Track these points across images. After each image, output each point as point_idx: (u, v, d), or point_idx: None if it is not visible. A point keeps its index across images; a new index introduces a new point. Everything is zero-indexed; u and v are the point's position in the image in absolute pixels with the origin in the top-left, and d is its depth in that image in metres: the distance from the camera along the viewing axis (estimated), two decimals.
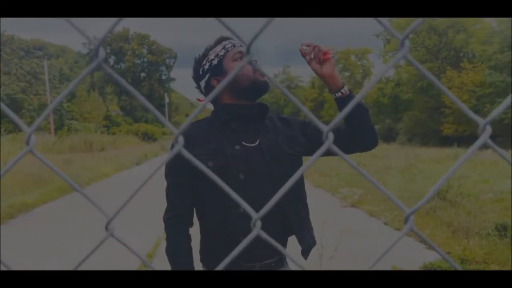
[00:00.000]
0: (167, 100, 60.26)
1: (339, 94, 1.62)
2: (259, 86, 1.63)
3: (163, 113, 61.81)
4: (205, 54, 1.69)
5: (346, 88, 1.63)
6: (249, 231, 1.49)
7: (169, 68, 66.86)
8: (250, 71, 1.61)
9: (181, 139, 0.56)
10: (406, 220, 0.59)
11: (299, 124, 1.78)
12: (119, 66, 65.19)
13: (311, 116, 0.53)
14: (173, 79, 68.95)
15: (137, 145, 33.52)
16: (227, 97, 1.67)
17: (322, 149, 0.53)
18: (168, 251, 1.64)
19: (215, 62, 1.65)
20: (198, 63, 1.70)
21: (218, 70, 1.65)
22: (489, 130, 0.58)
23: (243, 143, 1.61)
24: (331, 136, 0.53)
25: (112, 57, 63.45)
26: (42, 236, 6.32)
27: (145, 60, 64.67)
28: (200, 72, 1.69)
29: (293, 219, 1.65)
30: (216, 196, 1.53)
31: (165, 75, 66.86)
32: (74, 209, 8.61)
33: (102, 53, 0.49)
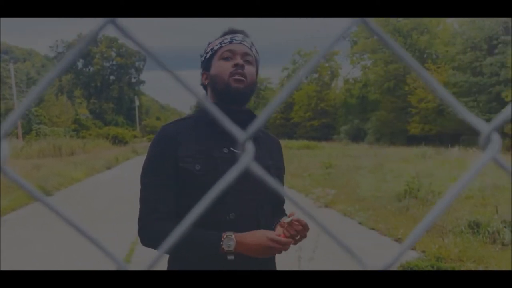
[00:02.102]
0: (137, 103, 59.66)
1: None
2: (231, 91, 1.50)
3: (133, 116, 61.16)
4: (207, 46, 1.62)
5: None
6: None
7: (138, 70, 66.25)
8: (226, 73, 1.51)
9: (251, 147, 0.46)
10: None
11: (281, 151, 1.75)
12: (87, 69, 64.26)
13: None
14: (143, 82, 68.42)
15: (107, 148, 33.02)
16: (212, 96, 1.59)
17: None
18: (190, 245, 1.42)
19: (207, 56, 1.59)
20: (203, 53, 1.63)
21: (207, 65, 1.59)
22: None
23: (231, 148, 1.51)
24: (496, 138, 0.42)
25: (81, 60, 62.44)
26: (14, 243, 6.28)
27: (114, 63, 63.96)
28: (200, 63, 1.64)
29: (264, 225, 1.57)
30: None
31: (134, 77, 66.26)
32: (44, 214, 8.55)
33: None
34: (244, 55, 1.55)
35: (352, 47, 44.83)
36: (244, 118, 1.51)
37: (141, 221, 1.49)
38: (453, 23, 36.58)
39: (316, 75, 55.92)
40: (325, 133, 50.23)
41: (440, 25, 38.42)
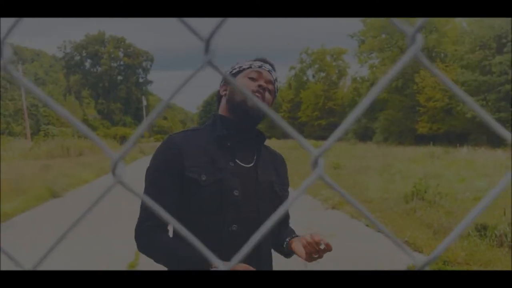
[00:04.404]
0: (144, 103, 59.82)
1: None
2: (248, 106, 1.54)
3: (140, 116, 61.33)
4: (236, 64, 1.67)
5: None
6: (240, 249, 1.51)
7: (146, 71, 66.50)
8: (252, 86, 1.57)
9: (121, 165, 0.43)
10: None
11: (286, 167, 1.81)
12: (95, 70, 64.56)
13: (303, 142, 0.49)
14: (151, 82, 68.70)
15: (115, 149, 33.11)
16: (226, 109, 1.62)
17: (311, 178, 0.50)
18: (180, 258, 1.44)
19: (234, 71, 1.63)
20: (229, 69, 1.67)
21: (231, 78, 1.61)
22: None
23: (237, 161, 1.56)
24: (321, 162, 0.49)
25: (88, 60, 62.76)
26: (24, 245, 6.31)
27: (122, 63, 64.20)
28: (228, 71, 1.65)
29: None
30: (208, 213, 1.49)
31: (142, 78, 66.54)
32: (54, 216, 8.58)
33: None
34: (268, 82, 1.61)
35: (359, 46, 44.68)
36: (253, 137, 1.63)
37: (138, 227, 1.52)
38: (461, 22, 36.35)
39: (323, 74, 55.84)
40: (332, 132, 49.97)
41: (449, 24, 38.18)
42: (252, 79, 1.59)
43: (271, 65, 1.67)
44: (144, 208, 1.52)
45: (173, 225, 0.48)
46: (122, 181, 0.43)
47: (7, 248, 0.54)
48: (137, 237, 1.51)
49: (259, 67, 1.61)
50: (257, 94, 1.56)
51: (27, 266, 0.53)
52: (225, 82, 1.65)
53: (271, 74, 1.63)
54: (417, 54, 0.47)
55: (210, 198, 1.48)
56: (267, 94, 1.60)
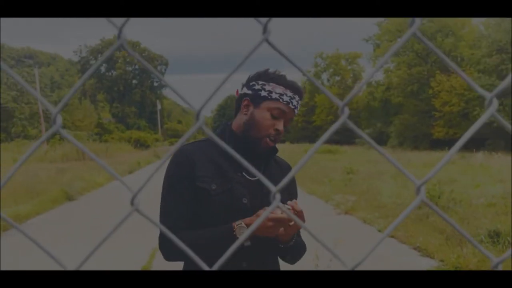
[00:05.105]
0: (159, 106, 60.21)
1: (292, 242, 1.61)
2: (260, 146, 1.60)
3: (155, 119, 61.72)
4: (267, 78, 1.62)
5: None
6: (251, 256, 1.59)
7: (160, 74, 66.95)
8: (265, 131, 1.58)
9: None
10: (418, 191, 0.58)
11: (294, 179, 1.79)
12: (110, 74, 65.17)
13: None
14: (165, 86, 69.01)
15: (129, 152, 33.42)
16: (239, 128, 1.65)
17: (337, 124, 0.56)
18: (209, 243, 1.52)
19: (262, 93, 1.59)
20: (257, 77, 1.64)
21: (256, 99, 1.60)
22: None
23: (244, 174, 1.61)
24: (346, 110, 0.55)
25: (104, 64, 63.35)
26: (38, 248, 6.34)
27: (137, 67, 64.70)
28: (250, 84, 1.63)
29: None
30: (218, 220, 1.53)
31: (156, 82, 66.90)
32: (68, 219, 8.63)
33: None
34: (289, 121, 1.63)
35: (375, 50, 44.45)
36: (265, 152, 1.66)
37: (161, 236, 1.57)
38: (478, 26, 36.00)
39: (338, 78, 55.66)
40: (347, 136, 49.85)
41: (465, 28, 37.85)
42: (273, 116, 1.58)
43: (301, 95, 1.65)
44: (164, 217, 1.60)
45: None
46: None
47: (21, 249, 0.57)
48: (162, 246, 1.58)
49: (287, 103, 1.59)
50: (269, 138, 1.59)
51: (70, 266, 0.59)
52: (248, 98, 1.63)
53: (295, 111, 1.62)
54: (415, 32, 0.53)
55: (220, 206, 1.56)
56: (280, 134, 1.61)
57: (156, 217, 1.60)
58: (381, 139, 41.57)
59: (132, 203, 0.55)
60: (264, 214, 0.55)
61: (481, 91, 0.56)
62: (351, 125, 0.55)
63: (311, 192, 11.17)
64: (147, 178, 0.55)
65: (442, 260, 5.36)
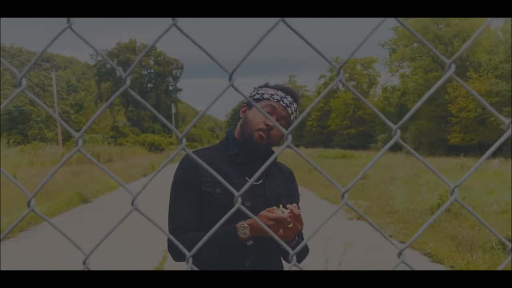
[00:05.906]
0: (174, 110, 60.54)
1: (292, 243, 1.64)
2: (252, 141, 1.67)
3: (170, 123, 62.07)
4: (263, 86, 1.77)
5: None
6: (255, 256, 1.64)
7: (175, 78, 67.22)
8: (256, 126, 1.66)
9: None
10: (452, 192, 0.65)
11: (295, 181, 1.88)
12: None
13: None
14: (180, 90, 69.41)
15: (144, 155, 33.64)
16: (238, 132, 1.75)
17: None
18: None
19: (256, 97, 1.73)
20: (260, 87, 1.78)
21: (250, 104, 1.70)
22: None
23: (246, 178, 1.69)
24: (398, 133, 0.55)
25: (120, 68, 63.99)
26: (52, 249, 6.39)
27: (152, 71, 65.11)
28: (251, 94, 1.76)
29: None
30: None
31: (172, 85, 67.28)
32: (83, 221, 8.70)
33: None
34: (281, 118, 1.69)
35: (390, 55, 44.21)
36: (264, 154, 1.72)
37: (169, 238, 1.59)
38: (496, 31, 35.59)
39: (353, 83, 55.46)
40: (362, 141, 49.66)
41: (483, 33, 37.46)
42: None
43: (294, 96, 1.76)
44: (172, 220, 1.69)
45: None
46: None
47: (38, 250, 0.59)
48: (170, 247, 1.65)
49: (278, 100, 1.70)
50: (260, 132, 1.65)
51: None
52: (245, 104, 1.77)
53: (287, 109, 1.71)
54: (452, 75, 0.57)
55: (223, 209, 1.58)
56: (274, 131, 1.66)
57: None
58: (396, 145, 41.07)
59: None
60: None
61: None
62: (404, 145, 0.62)
63: (324, 197, 11.13)
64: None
65: (452, 266, 5.36)
